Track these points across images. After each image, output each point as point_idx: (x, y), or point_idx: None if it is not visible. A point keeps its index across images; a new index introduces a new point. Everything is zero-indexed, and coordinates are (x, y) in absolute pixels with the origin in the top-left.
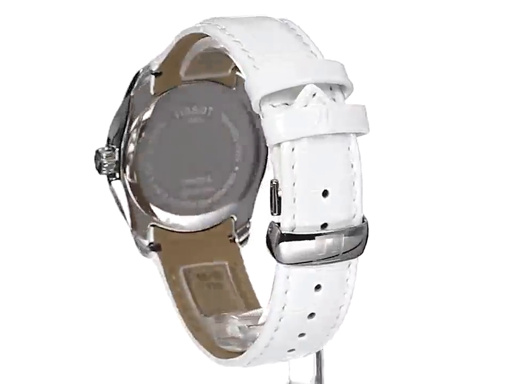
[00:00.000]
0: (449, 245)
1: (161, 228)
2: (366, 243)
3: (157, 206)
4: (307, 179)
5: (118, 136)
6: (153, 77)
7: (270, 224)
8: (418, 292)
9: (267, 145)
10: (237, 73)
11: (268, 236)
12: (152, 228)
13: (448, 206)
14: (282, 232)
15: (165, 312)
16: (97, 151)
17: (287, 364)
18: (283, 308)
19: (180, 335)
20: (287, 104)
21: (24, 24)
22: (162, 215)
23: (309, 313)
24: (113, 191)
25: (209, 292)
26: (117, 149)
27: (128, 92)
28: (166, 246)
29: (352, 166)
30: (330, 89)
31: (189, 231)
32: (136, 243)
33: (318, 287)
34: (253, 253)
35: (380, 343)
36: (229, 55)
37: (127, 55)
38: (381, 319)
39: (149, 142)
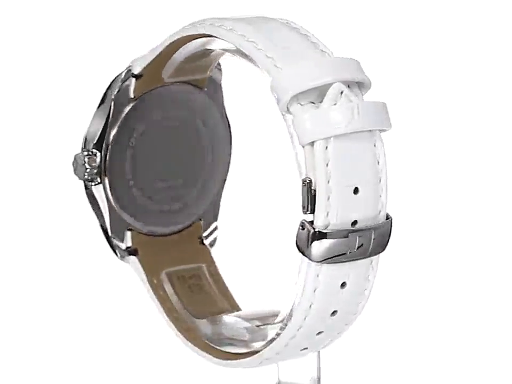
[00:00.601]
0: (459, 247)
1: (137, 231)
2: (388, 240)
3: (134, 209)
4: (341, 177)
5: (99, 140)
6: (133, 79)
7: (301, 222)
8: (418, 291)
9: (298, 144)
10: (208, 73)
11: (298, 234)
12: (129, 232)
13: (456, 206)
14: (316, 230)
15: (149, 316)
16: (77, 156)
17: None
18: (310, 306)
19: (167, 337)
20: (313, 102)
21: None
22: (139, 218)
23: (332, 311)
24: (91, 196)
25: (192, 294)
26: (98, 153)
27: (108, 95)
28: (142, 250)
29: (378, 163)
30: (348, 87)
31: (162, 233)
32: (114, 247)
33: (343, 285)
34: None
35: (379, 343)
36: (243, 56)
37: (102, 57)
38: (381, 318)
39: (129, 145)
